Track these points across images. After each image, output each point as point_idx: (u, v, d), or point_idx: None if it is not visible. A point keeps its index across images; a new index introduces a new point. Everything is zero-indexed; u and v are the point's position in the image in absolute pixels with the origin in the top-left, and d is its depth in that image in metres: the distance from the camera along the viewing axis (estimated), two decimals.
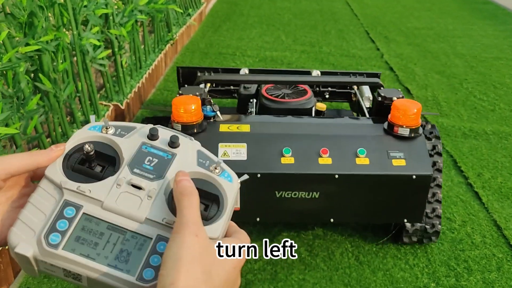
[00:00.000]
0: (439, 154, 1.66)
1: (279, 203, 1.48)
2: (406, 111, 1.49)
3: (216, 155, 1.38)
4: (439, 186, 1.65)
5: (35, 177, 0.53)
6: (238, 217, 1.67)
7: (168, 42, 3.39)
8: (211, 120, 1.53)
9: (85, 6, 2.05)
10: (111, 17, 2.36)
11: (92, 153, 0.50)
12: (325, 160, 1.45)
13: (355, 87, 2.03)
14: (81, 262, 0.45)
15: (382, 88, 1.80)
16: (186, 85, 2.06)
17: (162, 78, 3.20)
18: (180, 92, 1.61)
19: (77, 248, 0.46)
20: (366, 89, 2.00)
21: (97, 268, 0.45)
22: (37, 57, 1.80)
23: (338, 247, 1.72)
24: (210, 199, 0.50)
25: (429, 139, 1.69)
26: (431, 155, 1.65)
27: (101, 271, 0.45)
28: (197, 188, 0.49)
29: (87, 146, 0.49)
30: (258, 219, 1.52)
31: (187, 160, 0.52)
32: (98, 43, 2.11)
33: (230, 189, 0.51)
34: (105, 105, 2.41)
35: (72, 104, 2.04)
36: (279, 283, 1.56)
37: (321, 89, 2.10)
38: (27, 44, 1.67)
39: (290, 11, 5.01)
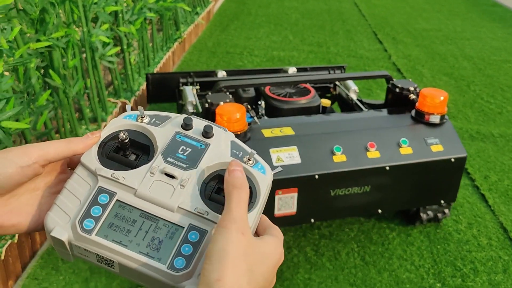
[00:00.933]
0: None
1: (333, 201, 1.53)
2: (435, 99, 1.58)
3: (269, 161, 1.40)
4: None
5: (71, 163, 0.53)
6: (293, 221, 1.68)
7: (176, 41, 3.40)
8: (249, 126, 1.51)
9: (95, 3, 2.06)
10: (120, 15, 2.37)
11: (126, 141, 0.50)
12: (374, 154, 1.52)
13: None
14: (113, 248, 0.46)
15: (393, 80, 1.81)
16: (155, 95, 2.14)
17: None
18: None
19: (110, 234, 0.46)
20: (350, 83, 2.04)
21: (129, 254, 0.46)
22: (47, 53, 1.81)
23: (344, 247, 1.72)
24: None
25: None
26: None
27: (132, 258, 0.46)
28: None
29: (122, 134, 0.50)
30: (312, 220, 1.56)
31: (220, 150, 0.52)
32: (107, 40, 2.12)
33: (263, 181, 0.51)
34: (113, 102, 2.43)
35: (81, 100, 2.06)
36: (285, 282, 1.57)
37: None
38: (38, 40, 1.69)
39: (297, 10, 5.01)
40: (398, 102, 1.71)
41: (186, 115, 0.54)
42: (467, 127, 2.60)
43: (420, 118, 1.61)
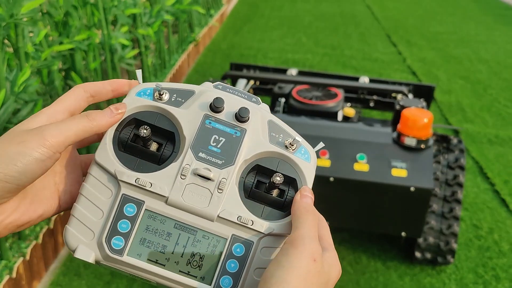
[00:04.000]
0: (461, 168, 1.60)
1: None
2: (415, 121, 1.45)
3: None
4: (458, 201, 1.57)
5: (79, 144, 0.47)
6: None
7: (191, 43, 3.41)
8: None
9: (115, 6, 2.08)
10: (139, 17, 2.38)
11: (148, 136, 0.42)
12: (323, 162, 1.46)
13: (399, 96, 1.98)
14: (149, 269, 0.41)
15: (405, 97, 1.79)
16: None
17: (185, 79, 3.22)
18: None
19: (143, 252, 0.41)
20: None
21: (168, 276, 0.41)
22: (69, 55, 1.83)
23: (365, 251, 1.71)
24: (286, 183, 0.44)
25: (452, 151, 1.64)
26: (451, 168, 1.60)
27: (172, 279, 0.41)
28: (272, 170, 0.43)
29: (143, 130, 0.42)
30: None
31: (258, 137, 0.44)
32: (127, 43, 2.13)
33: (309, 170, 0.44)
34: None
35: (101, 102, 2.07)
36: None
37: (366, 96, 2.06)
38: (61, 43, 1.70)
39: (310, 13, 5.01)
40: (398, 119, 1.61)
41: (214, 92, 0.45)
42: (485, 131, 2.59)
43: (397, 139, 1.50)
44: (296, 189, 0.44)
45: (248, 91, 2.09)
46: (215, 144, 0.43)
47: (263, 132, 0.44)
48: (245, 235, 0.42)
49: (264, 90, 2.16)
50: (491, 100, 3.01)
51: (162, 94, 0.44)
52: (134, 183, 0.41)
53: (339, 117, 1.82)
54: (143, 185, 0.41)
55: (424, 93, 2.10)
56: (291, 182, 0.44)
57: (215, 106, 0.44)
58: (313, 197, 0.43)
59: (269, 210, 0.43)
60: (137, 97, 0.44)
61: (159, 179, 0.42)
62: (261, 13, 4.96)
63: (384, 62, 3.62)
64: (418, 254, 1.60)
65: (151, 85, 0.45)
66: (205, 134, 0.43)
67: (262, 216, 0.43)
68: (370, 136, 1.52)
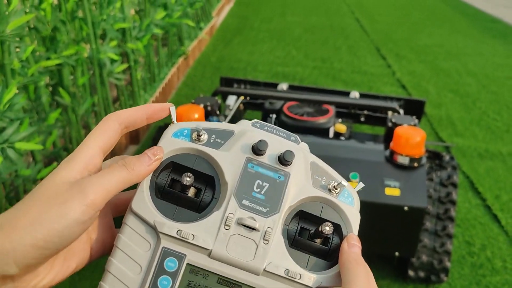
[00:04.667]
0: (454, 185, 1.59)
1: None
2: (408, 140, 1.44)
3: None
4: (451, 219, 1.56)
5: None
6: None
7: (181, 56, 3.39)
8: None
9: (104, 20, 2.05)
10: (128, 31, 2.36)
11: (190, 183, 0.40)
12: None
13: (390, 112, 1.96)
14: None
15: (397, 113, 1.78)
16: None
17: (175, 92, 3.19)
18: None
19: None
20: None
21: None
22: (56, 71, 1.80)
23: None
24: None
25: (444, 168, 1.63)
26: (444, 185, 1.59)
27: None
28: (316, 217, 0.41)
29: (186, 178, 0.39)
30: None
31: (301, 180, 0.42)
32: (116, 57, 2.11)
33: (353, 215, 0.42)
34: None
35: (89, 118, 2.03)
36: None
37: (357, 111, 2.05)
38: (48, 58, 1.67)
39: (300, 26, 5.03)
40: (390, 138, 1.59)
41: (255, 133, 0.43)
42: (475, 146, 2.59)
43: (390, 157, 1.48)
44: (340, 236, 0.42)
45: (239, 107, 2.07)
46: (259, 190, 0.41)
47: (306, 175, 0.42)
48: None
49: (255, 105, 2.15)
50: (480, 114, 3.02)
51: (201, 135, 0.42)
52: (176, 236, 0.39)
53: (331, 133, 1.80)
54: (185, 238, 0.39)
55: (415, 107, 2.10)
56: (336, 229, 0.42)
57: (259, 149, 0.41)
58: (360, 246, 0.41)
59: (314, 260, 0.41)
60: (174, 138, 0.42)
61: (202, 230, 0.39)
62: (251, 26, 4.97)
63: (374, 75, 3.63)
64: (411, 273, 1.58)
65: (188, 125, 0.43)
66: (249, 179, 0.41)
67: (307, 267, 0.40)
68: (363, 154, 1.51)
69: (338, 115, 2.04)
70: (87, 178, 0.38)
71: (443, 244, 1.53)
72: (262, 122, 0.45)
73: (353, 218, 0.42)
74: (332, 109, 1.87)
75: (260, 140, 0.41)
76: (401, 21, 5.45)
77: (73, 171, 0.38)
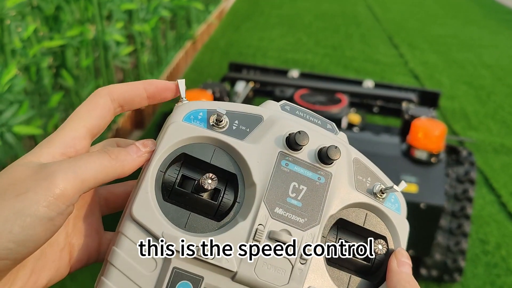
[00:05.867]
0: (471, 182, 1.51)
1: None
2: (427, 133, 1.37)
3: None
4: (467, 217, 1.49)
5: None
6: None
7: (189, 40, 3.32)
8: None
9: (111, 1, 1.98)
10: (135, 13, 2.29)
11: (212, 186, 0.32)
12: None
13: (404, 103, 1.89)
14: None
15: (412, 105, 1.71)
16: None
17: (182, 76, 3.13)
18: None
19: None
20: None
21: None
22: (60, 52, 1.73)
23: None
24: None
25: (461, 163, 1.56)
26: (461, 182, 1.52)
27: None
28: (359, 227, 0.34)
29: (208, 180, 0.31)
30: None
31: (345, 183, 0.35)
32: (122, 39, 2.04)
33: (402, 224, 0.36)
34: None
35: None
36: None
37: (370, 101, 1.98)
38: (52, 39, 1.61)
39: (311, 12, 4.92)
40: (407, 130, 1.54)
41: (289, 121, 0.34)
42: (490, 140, 2.51)
43: (407, 151, 1.41)
44: (387, 249, 0.35)
45: (248, 94, 2.00)
46: (295, 195, 0.33)
47: (349, 176, 0.35)
48: None
49: (265, 92, 2.08)
50: (495, 107, 2.94)
51: (221, 120, 0.33)
52: (191, 255, 0.30)
53: (344, 124, 1.73)
54: (204, 257, 0.30)
55: (429, 99, 2.02)
56: (381, 240, 0.35)
57: (298, 143, 0.33)
58: (411, 264, 0.34)
59: (356, 281, 0.34)
60: (186, 122, 0.33)
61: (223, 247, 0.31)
62: (261, 11, 4.87)
63: (386, 64, 3.54)
64: (423, 271, 1.52)
65: (205, 105, 0.33)
66: (282, 181, 0.33)
67: None
68: (378, 148, 1.44)
69: (351, 105, 1.97)
70: (57, 162, 0.29)
71: (458, 242, 1.47)
72: (292, 104, 0.37)
73: (402, 229, 0.36)
74: (345, 99, 1.80)
75: (299, 132, 0.33)
76: (414, 10, 5.32)
77: (46, 154, 0.29)
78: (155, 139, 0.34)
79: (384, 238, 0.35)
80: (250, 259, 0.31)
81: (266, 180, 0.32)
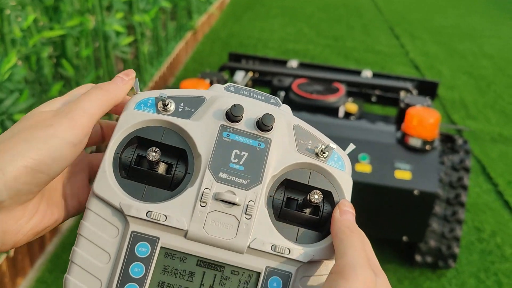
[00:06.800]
0: (466, 169, 1.53)
1: None
2: (421, 121, 1.39)
3: None
4: (461, 204, 1.50)
5: None
6: None
7: (189, 30, 3.33)
8: None
9: None
10: (135, 3, 2.30)
11: (157, 159, 0.36)
12: None
13: (402, 93, 1.90)
14: None
15: (410, 94, 1.72)
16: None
17: (182, 67, 3.14)
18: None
19: None
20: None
21: None
22: (60, 42, 1.75)
23: None
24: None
25: (456, 151, 1.58)
26: (456, 170, 1.54)
27: None
28: (304, 185, 0.37)
29: (152, 153, 0.35)
30: None
31: (285, 146, 0.38)
32: (121, 30, 2.05)
33: (345, 180, 0.38)
34: None
35: None
36: None
37: (368, 91, 1.98)
38: (51, 29, 1.63)
39: (313, 3, 4.92)
40: (402, 118, 1.55)
41: (228, 98, 0.38)
42: (488, 130, 2.52)
43: (402, 139, 1.43)
44: (332, 204, 0.38)
45: (247, 84, 2.02)
46: (236, 160, 0.37)
47: (289, 140, 0.38)
48: (282, 266, 0.36)
49: (263, 82, 2.09)
50: (495, 97, 2.94)
51: (167, 105, 0.38)
52: (146, 218, 0.35)
53: (341, 113, 1.75)
54: (156, 220, 0.35)
55: (428, 89, 2.03)
56: (326, 196, 0.38)
57: (234, 115, 0.37)
58: (354, 212, 0.37)
59: (304, 232, 0.37)
60: (137, 110, 0.38)
61: (175, 210, 0.35)
62: (262, 2, 4.86)
63: (387, 54, 3.55)
64: (418, 258, 1.54)
65: (152, 94, 0.38)
66: (224, 150, 0.37)
67: (297, 241, 0.37)
68: (373, 135, 1.46)
69: (349, 94, 1.99)
70: (68, 105, 0.36)
71: (452, 229, 1.49)
72: (238, 85, 0.41)
73: (345, 184, 0.38)
74: (342, 88, 1.81)
75: (235, 105, 0.37)
76: (416, 1, 5.31)
77: (56, 104, 0.36)
78: None
79: (329, 193, 0.38)
80: (199, 218, 0.35)
81: (209, 150, 0.37)
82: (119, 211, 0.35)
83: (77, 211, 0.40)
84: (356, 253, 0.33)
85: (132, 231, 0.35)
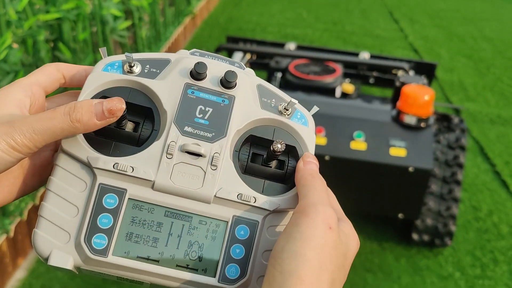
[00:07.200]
0: (462, 148, 1.54)
1: None
2: (415, 98, 1.39)
3: None
4: (457, 182, 1.51)
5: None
6: None
7: (188, 15, 3.32)
8: None
9: None
10: None
11: (124, 115, 0.36)
12: (319, 139, 1.39)
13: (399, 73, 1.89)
14: (140, 268, 0.35)
15: (406, 73, 1.72)
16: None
17: None
18: None
19: (131, 249, 0.35)
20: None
21: (164, 273, 0.35)
22: (57, 25, 1.75)
23: (360, 231, 1.67)
24: (285, 152, 0.40)
25: (452, 130, 1.58)
26: (452, 148, 1.55)
27: (169, 276, 0.35)
28: (268, 140, 0.39)
29: (116, 103, 0.35)
30: None
31: (249, 103, 0.39)
32: (119, 14, 2.05)
33: (308, 135, 0.40)
34: None
35: None
36: None
37: (365, 72, 1.98)
38: (48, 12, 1.63)
39: None
40: (398, 96, 1.54)
41: (193, 59, 0.40)
42: (487, 111, 2.52)
43: (396, 117, 1.43)
44: (297, 158, 0.39)
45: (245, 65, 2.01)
46: (201, 115, 0.38)
47: (253, 98, 0.40)
48: (248, 215, 0.37)
49: (261, 64, 2.09)
50: (494, 79, 2.94)
51: (133, 66, 0.39)
52: (113, 169, 0.35)
53: (337, 94, 1.75)
54: (123, 171, 0.35)
55: (426, 70, 2.03)
56: (291, 151, 0.40)
57: (197, 72, 0.38)
58: (317, 163, 0.38)
59: (270, 184, 0.38)
60: (104, 72, 0.38)
61: (142, 162, 0.36)
62: None
63: (386, 38, 3.53)
64: (415, 236, 1.56)
65: (120, 57, 0.39)
66: (189, 106, 0.38)
67: (263, 192, 0.38)
68: (368, 114, 1.46)
69: (347, 76, 1.99)
70: (21, 117, 0.34)
71: (448, 207, 1.50)
72: (203, 51, 0.42)
73: (308, 138, 0.40)
74: (339, 69, 1.81)
75: (198, 62, 0.38)
76: None
77: (8, 94, 0.35)
78: None
79: (293, 147, 0.39)
80: (165, 169, 0.36)
81: (175, 107, 0.38)
82: (87, 166, 0.36)
83: (38, 186, 0.40)
84: (317, 193, 0.34)
85: (100, 183, 0.35)
